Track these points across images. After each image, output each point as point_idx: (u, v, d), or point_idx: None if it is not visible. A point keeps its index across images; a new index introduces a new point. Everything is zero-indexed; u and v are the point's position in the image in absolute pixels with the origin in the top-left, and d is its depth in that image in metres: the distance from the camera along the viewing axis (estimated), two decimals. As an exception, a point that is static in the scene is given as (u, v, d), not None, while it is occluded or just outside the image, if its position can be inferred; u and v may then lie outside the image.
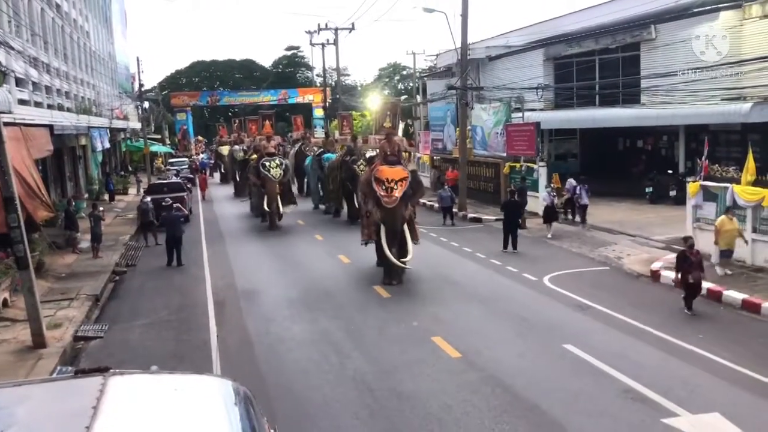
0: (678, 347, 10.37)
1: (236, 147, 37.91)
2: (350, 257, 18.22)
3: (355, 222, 21.44)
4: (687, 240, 12.93)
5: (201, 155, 58.91)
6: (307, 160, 31.67)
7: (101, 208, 22.07)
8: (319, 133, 47.25)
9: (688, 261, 12.19)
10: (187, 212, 24.40)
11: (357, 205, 21.27)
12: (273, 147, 25.84)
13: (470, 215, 25.16)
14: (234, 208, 31.60)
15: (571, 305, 13.03)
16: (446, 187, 24.52)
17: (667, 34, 25.77)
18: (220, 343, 11.42)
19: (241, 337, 11.83)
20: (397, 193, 14.59)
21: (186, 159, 53.15)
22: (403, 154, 16.14)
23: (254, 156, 26.80)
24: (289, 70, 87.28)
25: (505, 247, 18.33)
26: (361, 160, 22.84)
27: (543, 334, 11.23)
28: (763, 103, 22.08)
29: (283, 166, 23.81)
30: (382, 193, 14.57)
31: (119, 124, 44.15)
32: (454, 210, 24.42)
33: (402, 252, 14.87)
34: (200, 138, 73.25)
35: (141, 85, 49.89)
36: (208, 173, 44.59)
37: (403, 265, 14.67)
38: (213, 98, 71.73)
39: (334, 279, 16.02)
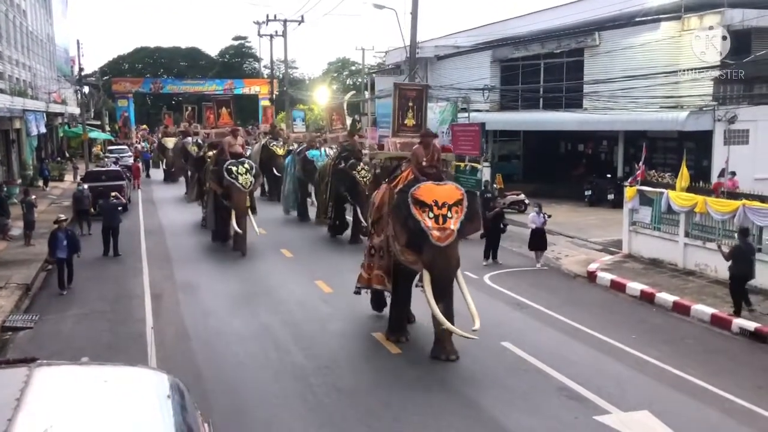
0: (611, 346, 10.64)
1: (188, 139, 32.46)
2: (293, 252, 18.08)
3: (358, 242, 18.44)
4: None
5: (142, 143, 57.20)
6: (288, 159, 26.48)
7: (34, 195, 21.29)
8: (300, 127, 40.85)
9: None
10: (125, 201, 23.72)
11: (359, 223, 18.50)
12: (240, 146, 19.84)
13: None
14: (179, 211, 29.12)
15: (510, 304, 13.23)
16: None
17: (611, 41, 26.43)
18: (156, 335, 11.16)
19: (178, 329, 11.59)
20: (453, 224, 9.89)
21: (126, 147, 51.58)
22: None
23: (210, 153, 21.96)
24: (236, 61, 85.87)
25: (486, 257, 17.12)
26: (362, 165, 19.29)
27: (482, 332, 11.24)
28: (698, 112, 22.87)
29: (254, 171, 18.57)
30: (432, 225, 9.80)
31: (57, 108, 42.57)
32: None
33: (448, 311, 10.09)
34: (144, 126, 71.28)
35: (81, 69, 48.23)
36: (143, 167, 39.66)
37: (464, 335, 9.73)
38: (156, 85, 69.81)
39: (276, 273, 15.86)
